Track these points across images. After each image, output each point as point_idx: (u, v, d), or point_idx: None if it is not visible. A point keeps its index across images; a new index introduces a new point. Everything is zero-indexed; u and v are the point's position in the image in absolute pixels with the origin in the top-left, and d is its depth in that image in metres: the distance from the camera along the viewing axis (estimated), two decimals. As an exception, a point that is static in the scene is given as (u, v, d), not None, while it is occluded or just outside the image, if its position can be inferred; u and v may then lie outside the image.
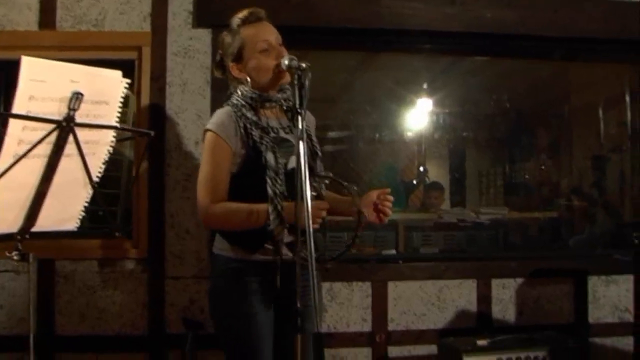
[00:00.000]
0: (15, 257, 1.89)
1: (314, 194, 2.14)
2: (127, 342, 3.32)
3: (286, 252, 2.24)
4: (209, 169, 2.27)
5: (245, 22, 2.35)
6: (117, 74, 1.99)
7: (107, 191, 3.61)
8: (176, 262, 3.36)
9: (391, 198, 2.29)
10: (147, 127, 3.26)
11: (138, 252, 3.35)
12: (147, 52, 3.38)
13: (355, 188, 2.17)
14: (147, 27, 3.40)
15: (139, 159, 3.33)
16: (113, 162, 3.62)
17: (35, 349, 2.03)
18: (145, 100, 3.37)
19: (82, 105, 1.84)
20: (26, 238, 1.92)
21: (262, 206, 2.17)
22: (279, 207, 2.15)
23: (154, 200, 3.35)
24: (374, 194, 2.28)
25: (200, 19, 3.42)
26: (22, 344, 2.09)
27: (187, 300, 3.35)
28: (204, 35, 3.43)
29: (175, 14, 3.42)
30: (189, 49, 3.42)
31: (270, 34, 2.35)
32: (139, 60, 3.40)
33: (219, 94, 3.28)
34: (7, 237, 1.89)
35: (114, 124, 2.03)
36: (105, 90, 1.97)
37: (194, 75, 3.41)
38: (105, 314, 3.33)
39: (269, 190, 2.16)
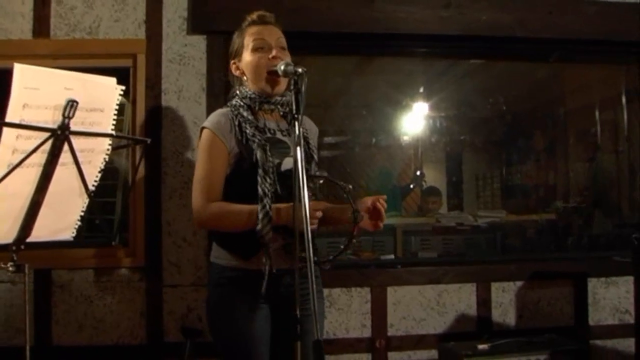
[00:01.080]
0: (10, 269, 1.86)
1: (310, 194, 2.11)
2: (126, 352, 3.29)
3: (281, 260, 2.20)
4: (204, 167, 2.24)
5: (252, 23, 2.38)
6: (112, 80, 1.97)
7: (103, 200, 3.59)
8: (174, 271, 3.33)
9: (384, 204, 2.21)
10: (143, 135, 3.24)
11: (135, 260, 3.32)
12: (142, 59, 3.37)
13: (350, 187, 2.14)
14: (141, 34, 3.39)
15: (135, 167, 3.31)
16: (110, 170, 3.65)
17: (33, 360, 2.01)
18: (141, 107, 3.36)
19: (77, 113, 1.80)
20: (21, 249, 1.88)
21: (256, 207, 2.14)
22: (268, 207, 2.11)
23: (151, 209, 3.33)
24: (368, 200, 2.20)
25: (195, 25, 3.40)
26: (19, 355, 2.06)
27: (185, 309, 3.33)
28: (199, 42, 3.41)
29: (169, 20, 3.40)
30: (184, 56, 3.40)
31: (270, 36, 2.33)
32: (134, 67, 3.38)
33: (215, 100, 3.29)
34: (2, 248, 1.86)
35: (110, 131, 2.00)
36: (100, 98, 1.94)
37: (189, 82, 3.39)
38: (103, 323, 3.30)
39: (259, 190, 2.14)
